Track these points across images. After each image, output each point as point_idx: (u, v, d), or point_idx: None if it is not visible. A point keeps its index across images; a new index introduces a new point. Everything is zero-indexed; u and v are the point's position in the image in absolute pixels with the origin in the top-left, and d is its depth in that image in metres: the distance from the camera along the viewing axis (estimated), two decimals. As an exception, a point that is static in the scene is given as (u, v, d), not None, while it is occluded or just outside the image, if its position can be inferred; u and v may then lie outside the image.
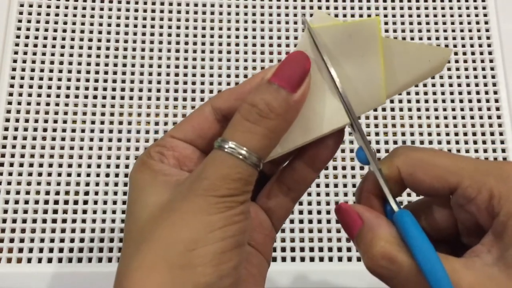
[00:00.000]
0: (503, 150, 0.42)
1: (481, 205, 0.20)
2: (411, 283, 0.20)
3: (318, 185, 0.40)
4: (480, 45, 0.45)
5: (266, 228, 0.24)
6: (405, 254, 0.20)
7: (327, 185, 0.40)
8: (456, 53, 0.45)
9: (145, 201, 0.21)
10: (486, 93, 0.43)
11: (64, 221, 0.39)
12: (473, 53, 0.45)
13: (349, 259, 0.39)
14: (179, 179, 0.21)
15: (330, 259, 0.39)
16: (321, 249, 0.39)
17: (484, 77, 0.44)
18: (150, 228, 0.20)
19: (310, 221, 0.39)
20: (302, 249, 0.39)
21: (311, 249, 0.39)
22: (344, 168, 0.41)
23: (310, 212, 0.40)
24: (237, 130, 0.20)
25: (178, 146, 0.23)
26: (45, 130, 0.41)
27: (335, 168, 0.41)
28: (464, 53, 0.45)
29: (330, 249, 0.39)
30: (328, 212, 0.40)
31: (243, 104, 0.20)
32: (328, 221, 0.40)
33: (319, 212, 0.40)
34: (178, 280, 0.18)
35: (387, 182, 0.22)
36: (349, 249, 0.39)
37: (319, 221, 0.40)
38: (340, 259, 0.39)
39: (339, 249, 0.39)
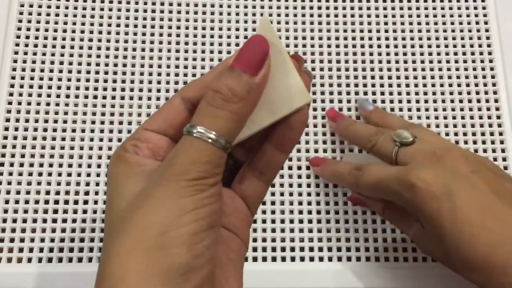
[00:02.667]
0: (503, 150, 0.42)
1: None
2: None
3: (317, 185, 0.40)
4: (480, 45, 0.45)
5: (242, 212, 0.25)
6: None
7: (326, 185, 0.40)
8: (456, 53, 0.45)
9: (122, 192, 0.22)
10: (486, 93, 0.43)
11: (64, 221, 0.39)
12: (473, 53, 0.45)
13: (349, 259, 0.39)
14: (154, 168, 0.22)
15: (330, 259, 0.39)
16: (320, 249, 0.39)
17: (484, 77, 0.44)
18: (128, 216, 0.20)
19: (310, 221, 0.40)
20: (301, 249, 0.39)
21: (311, 249, 0.39)
22: (344, 168, 0.41)
23: (309, 212, 0.40)
24: (204, 115, 0.21)
25: (152, 137, 0.23)
26: (45, 130, 0.41)
27: (335, 168, 0.41)
28: (464, 53, 0.45)
29: (329, 249, 0.39)
30: (327, 212, 0.40)
31: (208, 91, 0.21)
32: (328, 221, 0.40)
33: (318, 212, 0.40)
34: (154, 262, 0.19)
35: None
36: (348, 249, 0.39)
37: (319, 221, 0.40)
38: (339, 259, 0.39)
39: (339, 249, 0.39)
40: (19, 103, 0.41)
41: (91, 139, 0.41)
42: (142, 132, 0.24)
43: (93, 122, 0.41)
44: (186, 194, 0.20)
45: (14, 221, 0.39)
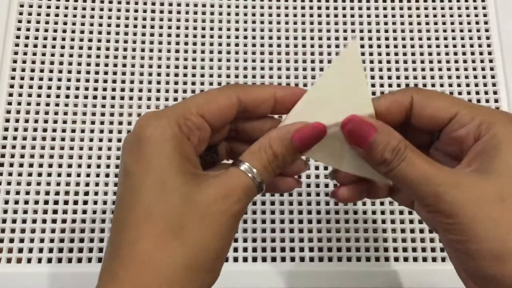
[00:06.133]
0: (503, 150, 0.42)
1: (471, 129, 0.24)
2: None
3: (317, 185, 0.40)
4: (480, 45, 0.45)
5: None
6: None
7: (326, 185, 0.40)
8: (456, 53, 0.45)
9: (172, 175, 0.22)
10: (486, 93, 0.43)
11: (64, 221, 0.39)
12: (473, 53, 0.45)
13: (349, 259, 0.39)
14: (198, 176, 0.23)
15: (330, 259, 0.39)
16: (320, 249, 0.39)
17: (484, 77, 0.44)
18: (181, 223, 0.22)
19: (310, 221, 0.39)
20: (301, 249, 0.39)
21: (311, 249, 0.39)
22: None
23: (309, 212, 0.40)
24: (254, 159, 0.24)
25: (204, 128, 0.24)
26: (45, 130, 0.41)
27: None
28: (464, 53, 0.45)
29: (329, 249, 0.39)
30: (327, 212, 0.40)
31: (268, 148, 0.24)
32: (328, 221, 0.40)
33: (318, 212, 0.40)
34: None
35: None
36: (348, 249, 0.39)
37: (319, 221, 0.40)
38: (339, 259, 0.39)
39: (339, 249, 0.39)
40: (19, 103, 0.41)
41: (91, 139, 0.41)
42: (199, 120, 0.24)
43: (93, 122, 0.41)
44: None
45: (14, 221, 0.39)
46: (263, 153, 0.24)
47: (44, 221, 0.39)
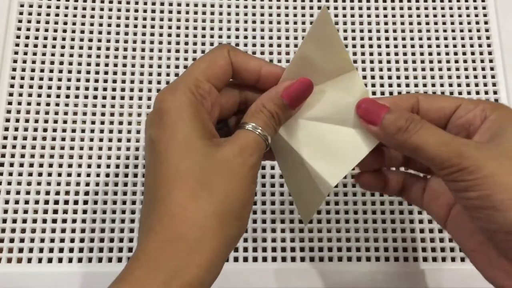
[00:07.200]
0: (503, 150, 0.42)
1: (476, 112, 0.27)
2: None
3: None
4: (480, 45, 0.45)
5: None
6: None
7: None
8: (456, 53, 0.45)
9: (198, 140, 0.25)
10: (486, 93, 0.43)
11: (64, 221, 0.39)
12: (473, 53, 0.45)
13: (349, 259, 0.39)
14: (214, 138, 0.26)
15: (330, 259, 0.39)
16: (320, 249, 0.39)
17: (484, 77, 0.44)
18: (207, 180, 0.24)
19: (310, 221, 0.39)
20: (302, 249, 0.39)
21: (311, 249, 0.39)
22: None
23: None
24: (255, 117, 0.27)
25: (213, 92, 0.27)
26: (45, 130, 0.41)
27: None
28: (464, 53, 0.45)
29: (329, 249, 0.39)
30: (327, 212, 0.40)
31: (262, 108, 0.27)
32: (328, 221, 0.40)
33: (319, 212, 0.40)
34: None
35: None
36: (349, 249, 0.39)
37: (319, 221, 0.40)
38: (340, 259, 0.39)
39: (339, 249, 0.39)
40: (19, 103, 0.41)
41: (91, 139, 0.41)
42: (207, 85, 0.26)
43: (93, 122, 0.41)
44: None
45: (14, 221, 0.39)
46: (260, 113, 0.27)
47: (44, 221, 0.39)
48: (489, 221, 0.24)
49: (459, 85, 0.44)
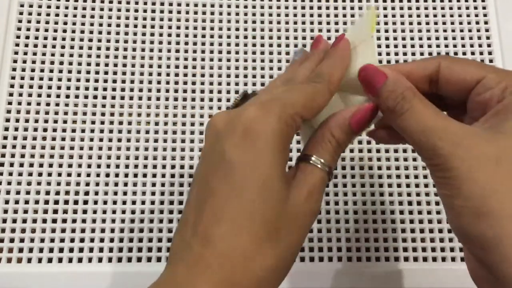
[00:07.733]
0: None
1: (495, 92, 0.24)
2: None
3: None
4: (480, 45, 0.45)
5: None
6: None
7: (326, 185, 0.40)
8: (456, 53, 0.45)
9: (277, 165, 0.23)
10: (486, 93, 0.43)
11: (64, 221, 0.39)
12: (473, 53, 0.45)
13: (349, 259, 0.39)
14: (286, 176, 0.24)
15: (330, 259, 0.39)
16: (320, 249, 0.39)
17: (484, 77, 0.44)
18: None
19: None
20: (301, 249, 0.39)
21: (311, 249, 0.39)
22: (352, 168, 0.41)
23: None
24: (319, 148, 0.25)
25: (299, 127, 0.25)
26: (45, 130, 0.41)
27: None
28: (464, 53, 0.45)
29: (329, 249, 0.39)
30: (327, 212, 0.40)
31: (331, 137, 0.25)
32: (328, 221, 0.40)
33: (321, 212, 0.40)
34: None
35: None
36: (349, 249, 0.39)
37: (319, 221, 0.40)
38: (340, 259, 0.39)
39: (339, 249, 0.39)
40: (19, 103, 0.41)
41: (91, 139, 0.41)
42: (298, 119, 0.24)
43: (93, 122, 0.41)
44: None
45: (14, 221, 0.39)
46: (328, 143, 0.25)
47: (44, 221, 0.39)
48: (451, 219, 0.23)
49: (459, 85, 0.44)
